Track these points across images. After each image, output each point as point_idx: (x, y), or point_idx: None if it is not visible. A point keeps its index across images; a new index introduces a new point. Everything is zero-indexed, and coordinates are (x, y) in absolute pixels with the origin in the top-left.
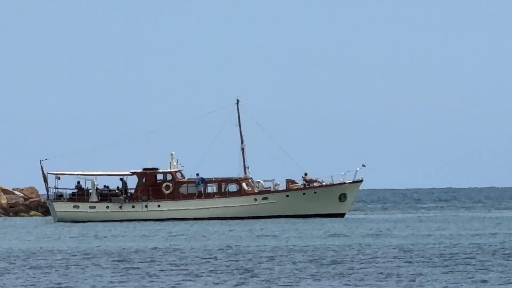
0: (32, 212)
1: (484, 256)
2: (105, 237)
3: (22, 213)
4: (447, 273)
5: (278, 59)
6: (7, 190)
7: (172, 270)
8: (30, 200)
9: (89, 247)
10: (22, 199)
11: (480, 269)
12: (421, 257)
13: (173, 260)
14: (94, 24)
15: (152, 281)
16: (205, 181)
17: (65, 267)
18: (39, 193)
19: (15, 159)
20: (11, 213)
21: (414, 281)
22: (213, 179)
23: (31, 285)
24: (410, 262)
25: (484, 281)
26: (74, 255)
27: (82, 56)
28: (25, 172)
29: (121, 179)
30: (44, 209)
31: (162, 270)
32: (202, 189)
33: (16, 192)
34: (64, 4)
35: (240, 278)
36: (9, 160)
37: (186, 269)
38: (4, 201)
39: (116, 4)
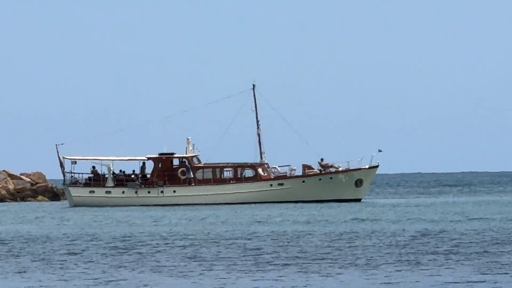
0: (39, 197)
1: None
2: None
3: (29, 198)
4: None
5: (295, 44)
6: (14, 175)
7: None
8: (38, 185)
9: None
10: (29, 184)
11: None
12: None
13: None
14: (112, 7)
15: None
16: (189, 169)
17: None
18: (47, 178)
19: (23, 145)
20: (18, 198)
21: None
22: (229, 164)
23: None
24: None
25: None
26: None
27: (97, 39)
28: (32, 157)
29: (143, 163)
30: (51, 194)
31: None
32: (187, 176)
33: (23, 177)
34: None
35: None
36: (17, 145)
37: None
38: (11, 186)
39: None
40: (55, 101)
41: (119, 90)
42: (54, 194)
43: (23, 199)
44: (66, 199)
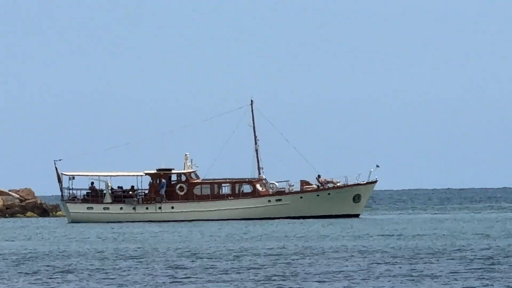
0: (28, 213)
1: None
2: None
3: (18, 215)
4: None
5: (293, 59)
6: (3, 191)
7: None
8: (27, 201)
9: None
10: (18, 200)
11: None
12: None
13: None
14: (111, 22)
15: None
16: (164, 186)
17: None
18: (36, 194)
19: (12, 161)
20: (7, 215)
21: None
22: (227, 180)
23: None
24: None
25: None
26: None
27: (95, 55)
28: (21, 173)
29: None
30: (40, 211)
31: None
32: (160, 192)
33: (12, 193)
34: (77, 4)
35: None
36: (6, 161)
37: None
38: (0, 203)
39: (133, 3)
40: (49, 116)
41: (117, 105)
42: (43, 211)
43: (12, 215)
44: (55, 216)
